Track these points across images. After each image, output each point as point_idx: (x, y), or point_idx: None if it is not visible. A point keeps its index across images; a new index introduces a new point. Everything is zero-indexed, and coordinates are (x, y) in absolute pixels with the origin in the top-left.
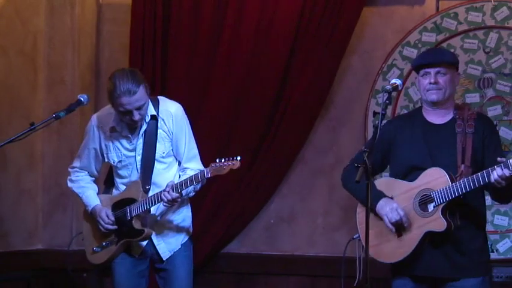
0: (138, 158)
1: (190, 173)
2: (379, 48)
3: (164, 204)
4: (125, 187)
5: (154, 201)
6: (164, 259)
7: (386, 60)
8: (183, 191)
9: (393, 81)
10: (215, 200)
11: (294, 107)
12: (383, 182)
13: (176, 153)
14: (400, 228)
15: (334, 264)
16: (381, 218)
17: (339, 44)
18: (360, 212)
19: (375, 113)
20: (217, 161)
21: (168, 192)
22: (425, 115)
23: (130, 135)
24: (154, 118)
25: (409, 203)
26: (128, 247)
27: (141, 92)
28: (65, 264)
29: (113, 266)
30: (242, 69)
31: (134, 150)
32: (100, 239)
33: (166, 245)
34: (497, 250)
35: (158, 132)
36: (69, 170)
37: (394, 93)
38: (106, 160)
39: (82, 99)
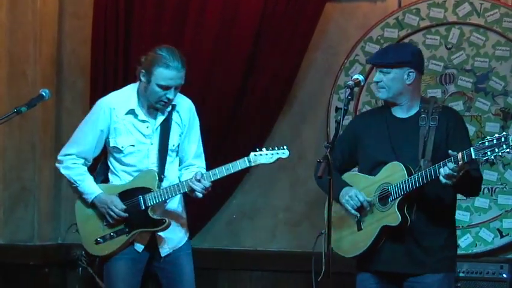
0: (152, 147)
1: (195, 170)
2: (342, 43)
3: (196, 194)
4: (129, 176)
5: (175, 192)
6: (162, 255)
7: (348, 55)
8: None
9: (355, 76)
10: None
11: (256, 101)
12: (347, 176)
13: (183, 148)
14: (360, 221)
15: (296, 260)
16: (345, 210)
17: (302, 39)
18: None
19: (337, 109)
20: (258, 149)
21: (200, 181)
22: (392, 109)
23: (148, 121)
24: (172, 108)
25: (370, 197)
26: (133, 240)
27: (184, 73)
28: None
29: (112, 261)
30: (204, 65)
31: (150, 137)
32: (104, 229)
33: (168, 241)
34: (458, 246)
35: (172, 123)
36: (62, 158)
37: (356, 89)
38: (112, 145)
39: (44, 93)
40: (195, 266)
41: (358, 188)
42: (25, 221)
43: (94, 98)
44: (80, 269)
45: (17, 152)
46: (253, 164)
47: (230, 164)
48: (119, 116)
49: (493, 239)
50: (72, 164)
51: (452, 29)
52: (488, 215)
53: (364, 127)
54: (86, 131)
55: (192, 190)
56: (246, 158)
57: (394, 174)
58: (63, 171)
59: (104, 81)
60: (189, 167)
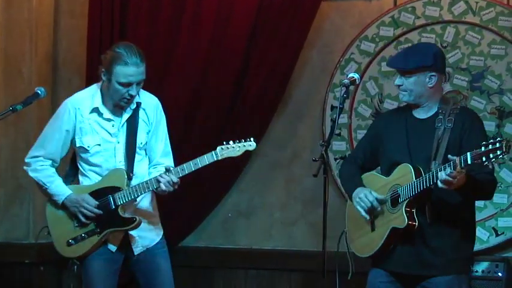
0: (118, 145)
1: (163, 169)
2: (337, 42)
3: (162, 189)
4: (98, 176)
5: (144, 189)
6: (135, 254)
7: (344, 54)
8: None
9: (351, 75)
10: (173, 194)
11: (252, 100)
12: (365, 176)
13: (151, 147)
14: (373, 222)
15: (292, 258)
16: None
17: (297, 38)
18: (350, 205)
19: (332, 107)
20: (225, 143)
21: (167, 174)
22: (412, 109)
23: (113, 119)
24: (137, 106)
25: (382, 196)
26: (104, 240)
27: (144, 67)
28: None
29: (88, 262)
30: (200, 64)
31: (116, 136)
32: (75, 231)
33: (140, 240)
34: None
35: (139, 121)
36: (29, 160)
37: (351, 87)
38: (78, 145)
39: (39, 92)
40: (191, 265)
41: (373, 188)
42: (20, 219)
43: None
44: (75, 267)
45: (13, 150)
46: (220, 158)
47: (198, 159)
48: (84, 115)
49: (488, 237)
50: (40, 166)
51: (448, 27)
52: (484, 213)
53: (386, 127)
54: (51, 132)
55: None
56: (213, 152)
57: (404, 175)
58: (31, 173)
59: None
60: (157, 166)
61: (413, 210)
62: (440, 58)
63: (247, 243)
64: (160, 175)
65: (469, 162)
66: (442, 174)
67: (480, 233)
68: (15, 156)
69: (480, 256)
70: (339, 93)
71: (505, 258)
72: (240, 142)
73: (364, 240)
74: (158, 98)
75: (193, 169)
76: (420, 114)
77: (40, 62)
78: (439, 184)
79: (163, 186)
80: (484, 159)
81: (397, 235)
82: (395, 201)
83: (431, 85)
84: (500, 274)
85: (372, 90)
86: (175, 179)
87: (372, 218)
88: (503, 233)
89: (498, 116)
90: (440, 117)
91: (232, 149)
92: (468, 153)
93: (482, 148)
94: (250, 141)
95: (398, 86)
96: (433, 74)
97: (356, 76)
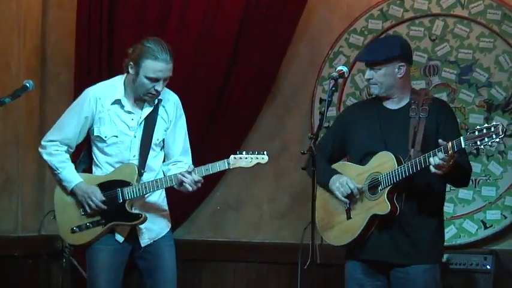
0: (135, 139)
1: (183, 166)
2: (326, 35)
3: (185, 186)
4: (111, 167)
5: (155, 187)
6: (142, 246)
7: (332, 47)
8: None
9: (339, 68)
10: None
11: (240, 93)
12: (338, 166)
13: (169, 144)
14: (350, 209)
15: (281, 251)
16: (334, 198)
17: (286, 31)
18: (318, 195)
19: (321, 100)
20: (239, 152)
21: (190, 173)
22: (382, 101)
23: (134, 112)
24: (157, 102)
25: (360, 185)
26: (112, 230)
27: (172, 65)
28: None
29: (95, 252)
30: (188, 57)
31: (133, 130)
32: (80, 219)
33: (147, 232)
34: None
35: (158, 118)
36: (45, 143)
37: (340, 80)
38: (95, 134)
39: (28, 85)
40: (180, 258)
41: (348, 177)
42: (9, 212)
43: (78, 89)
44: (64, 260)
45: (1, 143)
46: (231, 167)
47: (209, 165)
48: (104, 105)
49: (476, 230)
50: (55, 151)
51: (436, 20)
52: (472, 206)
53: (355, 118)
54: (70, 118)
55: (181, 183)
56: (225, 161)
57: (384, 163)
58: (45, 156)
59: (88, 73)
60: (177, 163)
61: (394, 198)
62: (407, 48)
63: (236, 236)
64: (183, 175)
65: (463, 146)
66: (435, 159)
67: (469, 225)
68: (4, 150)
69: (469, 249)
70: (328, 86)
71: (494, 250)
72: (253, 154)
73: (339, 228)
74: None
75: (204, 174)
76: (391, 105)
77: (28, 55)
78: (432, 169)
79: (188, 187)
80: (478, 142)
81: (376, 222)
82: (374, 188)
83: (400, 75)
84: (488, 267)
85: (361, 83)
86: (197, 178)
87: (348, 206)
88: (491, 225)
89: (486, 109)
90: (414, 107)
91: (245, 159)
92: (461, 137)
93: (476, 132)
94: (263, 154)
95: (369, 79)
96: (402, 64)
97: (345, 69)
